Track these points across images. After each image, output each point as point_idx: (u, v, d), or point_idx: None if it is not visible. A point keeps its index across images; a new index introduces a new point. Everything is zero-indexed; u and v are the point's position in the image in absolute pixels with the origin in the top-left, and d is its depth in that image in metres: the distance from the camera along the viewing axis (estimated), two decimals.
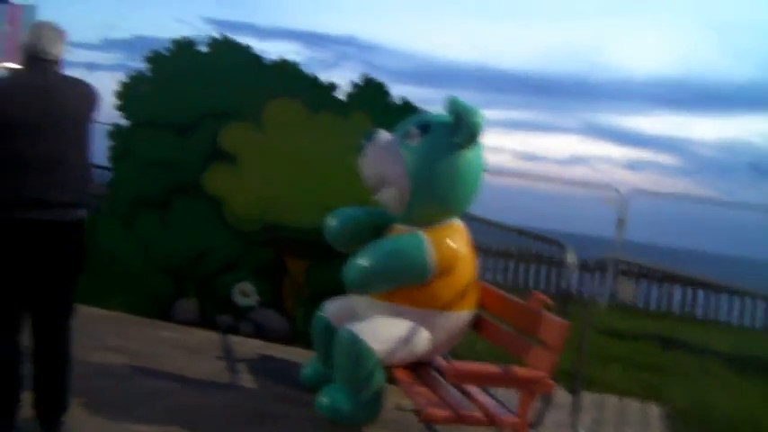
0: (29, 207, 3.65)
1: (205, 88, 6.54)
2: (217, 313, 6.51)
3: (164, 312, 6.55)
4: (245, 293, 6.47)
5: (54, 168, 3.71)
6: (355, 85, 6.34)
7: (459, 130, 4.48)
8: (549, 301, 4.36)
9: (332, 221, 5.12)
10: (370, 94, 6.32)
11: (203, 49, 6.64)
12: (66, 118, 3.80)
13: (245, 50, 6.57)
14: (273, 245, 6.42)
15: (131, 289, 6.59)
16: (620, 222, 12.57)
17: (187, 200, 6.55)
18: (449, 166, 4.57)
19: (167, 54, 6.68)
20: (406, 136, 4.68)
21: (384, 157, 4.67)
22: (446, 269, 4.56)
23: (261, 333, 6.44)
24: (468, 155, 4.58)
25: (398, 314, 4.60)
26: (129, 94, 6.68)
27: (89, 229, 3.99)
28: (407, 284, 4.57)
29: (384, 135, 4.75)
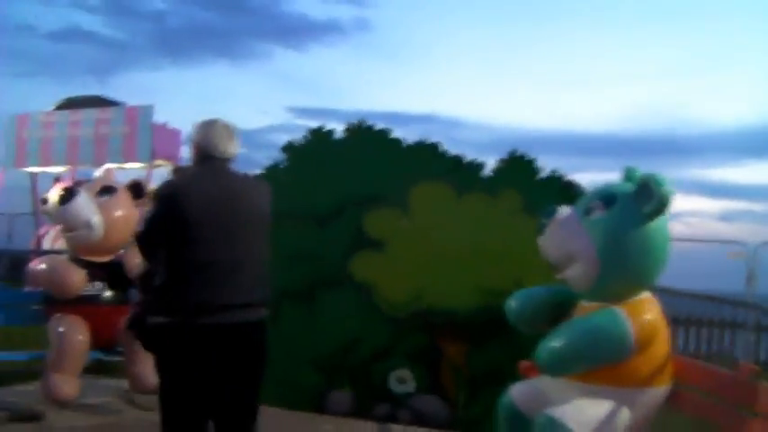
0: (214, 311, 3.61)
1: (345, 176, 6.54)
2: (373, 402, 6.36)
3: (318, 405, 6.45)
4: (402, 380, 6.33)
5: (238, 270, 3.67)
6: (501, 162, 6.26)
7: (648, 200, 4.32)
8: (758, 370, 4.13)
9: (512, 303, 4.98)
10: (518, 171, 6.23)
11: (340, 136, 6.66)
12: (247, 218, 3.78)
13: (384, 135, 6.58)
14: (428, 329, 6.29)
15: (283, 383, 6.49)
16: (751, 276, 12.00)
17: (333, 290, 6.49)
18: (640, 237, 4.40)
19: (303, 143, 6.72)
20: (589, 210, 4.55)
21: (568, 234, 4.52)
22: (645, 344, 4.35)
23: (421, 420, 6.27)
24: (657, 224, 4.42)
25: (596, 394, 4.39)
26: None
27: None
28: (606, 363, 4.38)
29: (564, 211, 4.62)
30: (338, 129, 6.71)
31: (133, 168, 11.24)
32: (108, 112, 10.96)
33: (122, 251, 6.31)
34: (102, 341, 5.92)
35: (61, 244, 11.55)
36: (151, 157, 10.57)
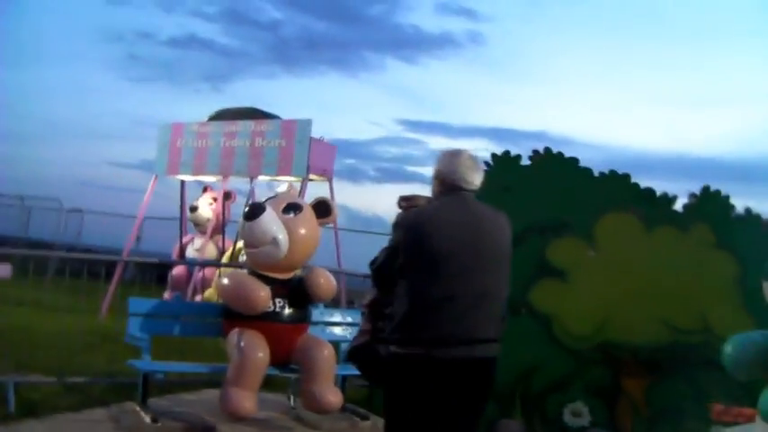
0: (455, 345, 3.56)
1: (529, 202, 6.44)
2: None
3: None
4: (577, 414, 6.19)
5: (480, 304, 3.62)
6: (693, 197, 6.09)
7: None
8: None
9: (729, 348, 4.79)
10: (712, 206, 6.05)
11: (525, 162, 6.59)
12: (492, 251, 3.71)
13: (572, 163, 6.47)
14: (608, 363, 6.15)
15: None
16: None
17: (510, 317, 6.38)
18: None
19: (487, 169, 6.67)
20: None
21: None
22: None
23: None
24: None
25: None
26: None
27: None
28: None
29: None
30: (523, 154, 6.63)
31: (286, 181, 11.41)
32: (264, 125, 11.14)
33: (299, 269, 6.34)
34: (278, 358, 5.91)
35: (209, 253, 11.80)
36: (307, 171, 10.68)
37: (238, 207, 11.72)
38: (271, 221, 6.02)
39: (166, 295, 11.63)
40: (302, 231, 6.14)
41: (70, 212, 21.29)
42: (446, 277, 3.56)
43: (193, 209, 12.08)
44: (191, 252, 12.00)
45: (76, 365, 7.18)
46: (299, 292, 6.12)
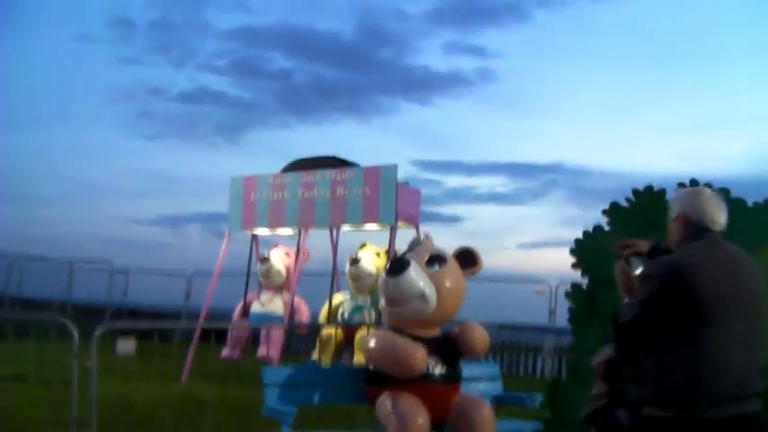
0: (723, 403, 3.22)
1: None
2: None
3: None
4: None
5: (746, 356, 3.29)
6: None
7: None
8: None
9: None
10: None
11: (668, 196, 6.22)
12: (753, 295, 3.39)
13: (724, 194, 6.09)
14: None
15: None
16: None
17: None
18: None
19: (628, 205, 6.31)
20: None
21: None
22: None
23: None
24: None
25: None
26: (588, 250, 6.30)
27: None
28: None
29: None
30: (668, 188, 6.25)
31: (372, 230, 11.07)
32: (345, 173, 10.81)
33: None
34: (434, 421, 5.51)
35: (276, 308, 11.50)
36: (395, 218, 10.35)
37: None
38: (417, 276, 5.67)
39: (225, 352, 11.54)
40: (448, 284, 5.79)
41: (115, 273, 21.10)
42: (709, 327, 3.24)
43: (264, 260, 11.75)
44: (256, 307, 11.79)
45: None
46: (448, 349, 5.75)
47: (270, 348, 10.74)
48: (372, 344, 5.78)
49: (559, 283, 13.32)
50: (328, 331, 10.72)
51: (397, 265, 5.74)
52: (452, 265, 5.90)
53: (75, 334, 6.53)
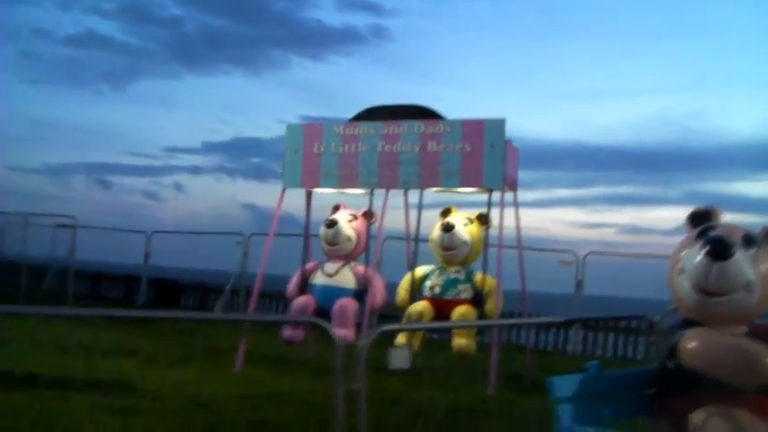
0: None
1: None
2: None
3: None
4: None
5: None
6: None
7: None
8: None
9: None
10: None
11: None
12: None
13: None
14: None
15: None
16: None
17: None
18: None
19: None
20: None
21: None
22: None
23: None
24: None
25: None
26: None
27: None
28: None
29: None
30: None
31: (469, 194, 9.65)
32: (439, 125, 9.23)
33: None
34: None
35: (346, 280, 9.72)
36: (503, 182, 8.96)
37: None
38: (744, 261, 4.41)
39: (286, 332, 9.67)
40: (765, 270, 4.54)
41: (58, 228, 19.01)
42: None
43: (331, 224, 9.91)
44: (320, 279, 9.94)
45: None
46: None
47: (341, 328, 9.22)
48: (695, 344, 4.46)
49: None
50: (417, 309, 9.30)
51: (721, 247, 4.44)
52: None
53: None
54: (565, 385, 4.43)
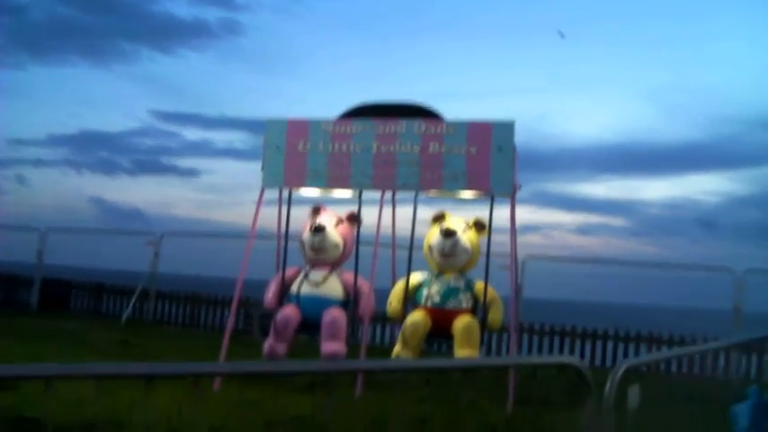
0: None
1: None
2: None
3: None
4: None
5: None
6: None
7: None
8: None
9: None
10: None
11: None
12: None
13: None
14: None
15: None
16: None
17: None
18: None
19: None
20: None
21: None
22: None
23: None
24: None
25: None
26: None
27: None
28: None
29: None
30: None
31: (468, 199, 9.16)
32: (442, 126, 8.73)
33: None
34: None
35: (333, 289, 9.07)
36: (513, 188, 8.58)
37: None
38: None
39: (268, 346, 8.96)
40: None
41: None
42: None
43: (318, 229, 9.24)
44: (306, 289, 9.20)
45: None
46: None
47: (333, 342, 8.64)
48: None
49: None
50: (414, 319, 8.80)
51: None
52: None
53: None
54: (743, 413, 4.10)
